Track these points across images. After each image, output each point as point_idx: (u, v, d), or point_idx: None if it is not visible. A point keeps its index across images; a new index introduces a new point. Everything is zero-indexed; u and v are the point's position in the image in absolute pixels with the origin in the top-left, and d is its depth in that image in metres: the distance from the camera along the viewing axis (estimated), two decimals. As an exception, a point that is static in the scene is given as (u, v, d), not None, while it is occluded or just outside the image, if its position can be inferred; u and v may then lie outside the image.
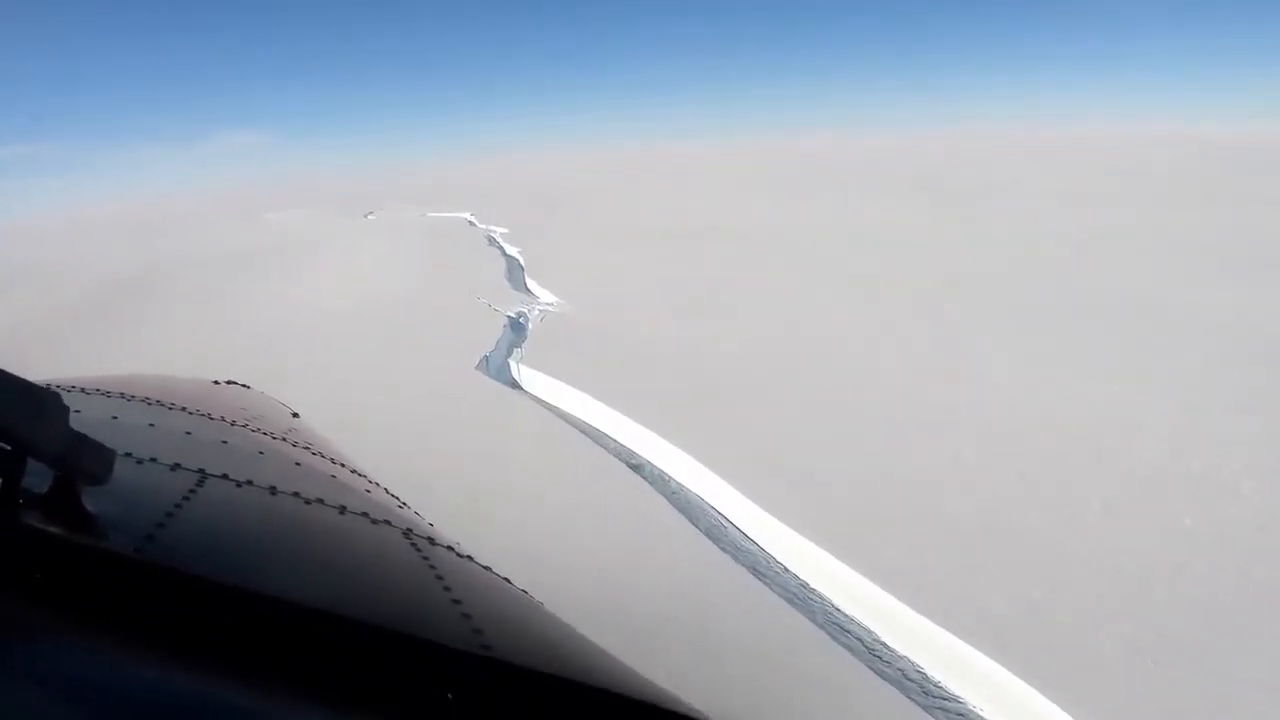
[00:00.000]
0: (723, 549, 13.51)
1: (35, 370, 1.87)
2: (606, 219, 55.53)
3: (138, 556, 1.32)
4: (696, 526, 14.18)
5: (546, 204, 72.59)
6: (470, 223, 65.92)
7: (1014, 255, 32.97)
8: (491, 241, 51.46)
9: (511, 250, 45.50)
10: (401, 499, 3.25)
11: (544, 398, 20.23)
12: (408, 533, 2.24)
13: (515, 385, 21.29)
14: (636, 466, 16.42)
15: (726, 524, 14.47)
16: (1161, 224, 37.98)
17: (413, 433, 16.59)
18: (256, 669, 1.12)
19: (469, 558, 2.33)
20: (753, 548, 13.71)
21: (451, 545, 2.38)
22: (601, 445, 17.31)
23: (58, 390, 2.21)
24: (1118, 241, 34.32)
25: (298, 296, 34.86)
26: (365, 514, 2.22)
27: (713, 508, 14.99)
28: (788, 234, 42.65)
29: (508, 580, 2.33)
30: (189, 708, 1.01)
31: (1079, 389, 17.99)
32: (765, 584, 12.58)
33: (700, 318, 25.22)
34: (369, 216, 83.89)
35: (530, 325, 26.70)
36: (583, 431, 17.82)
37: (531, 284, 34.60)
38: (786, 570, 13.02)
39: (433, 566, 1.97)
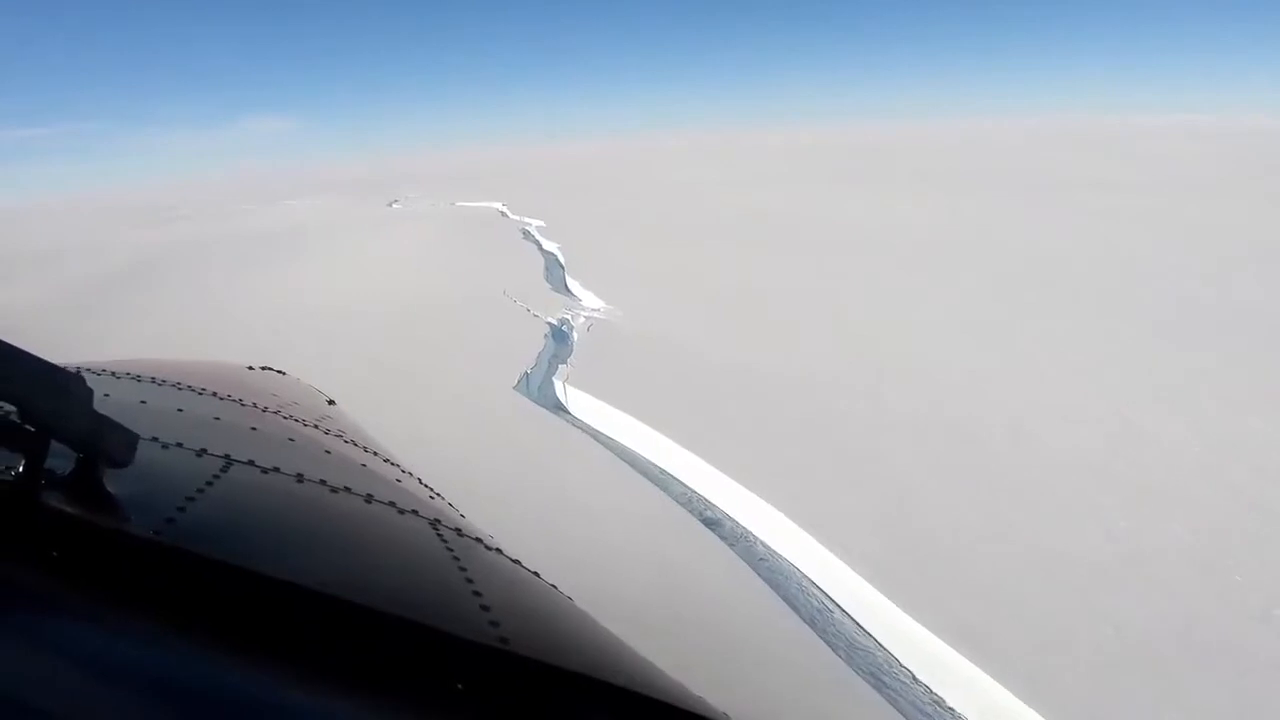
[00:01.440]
0: (830, 643, 11.16)
1: (62, 353, 2.01)
2: (655, 212, 53.15)
3: (155, 539, 1.37)
4: (795, 610, 11.84)
5: (587, 195, 70.59)
6: (502, 214, 64.16)
7: (1131, 259, 29.87)
8: (527, 235, 49.49)
9: (549, 245, 43.45)
10: (436, 490, 3.30)
11: (593, 424, 18.05)
12: (435, 523, 2.29)
13: (560, 407, 19.15)
14: (713, 522, 14.14)
15: (831, 606, 12.11)
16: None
17: (444, 478, 14.46)
18: (263, 650, 1.15)
19: (498, 550, 2.42)
20: (868, 643, 11.32)
21: (480, 537, 2.47)
22: (665, 489, 15.07)
23: (88, 373, 2.89)
24: (1224, 239, 30.98)
25: (306, 294, 33.18)
26: (392, 503, 2.28)
27: (809, 580, 12.65)
28: (866, 231, 39.87)
29: (536, 574, 2.38)
30: (196, 687, 1.05)
31: None
32: (891, 698, 10.22)
33: (776, 332, 22.79)
34: (393, 205, 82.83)
35: (574, 335, 24.53)
36: (642, 473, 15.58)
37: (573, 285, 32.47)
38: (916, 680, 10.63)
39: (456, 557, 2.01)
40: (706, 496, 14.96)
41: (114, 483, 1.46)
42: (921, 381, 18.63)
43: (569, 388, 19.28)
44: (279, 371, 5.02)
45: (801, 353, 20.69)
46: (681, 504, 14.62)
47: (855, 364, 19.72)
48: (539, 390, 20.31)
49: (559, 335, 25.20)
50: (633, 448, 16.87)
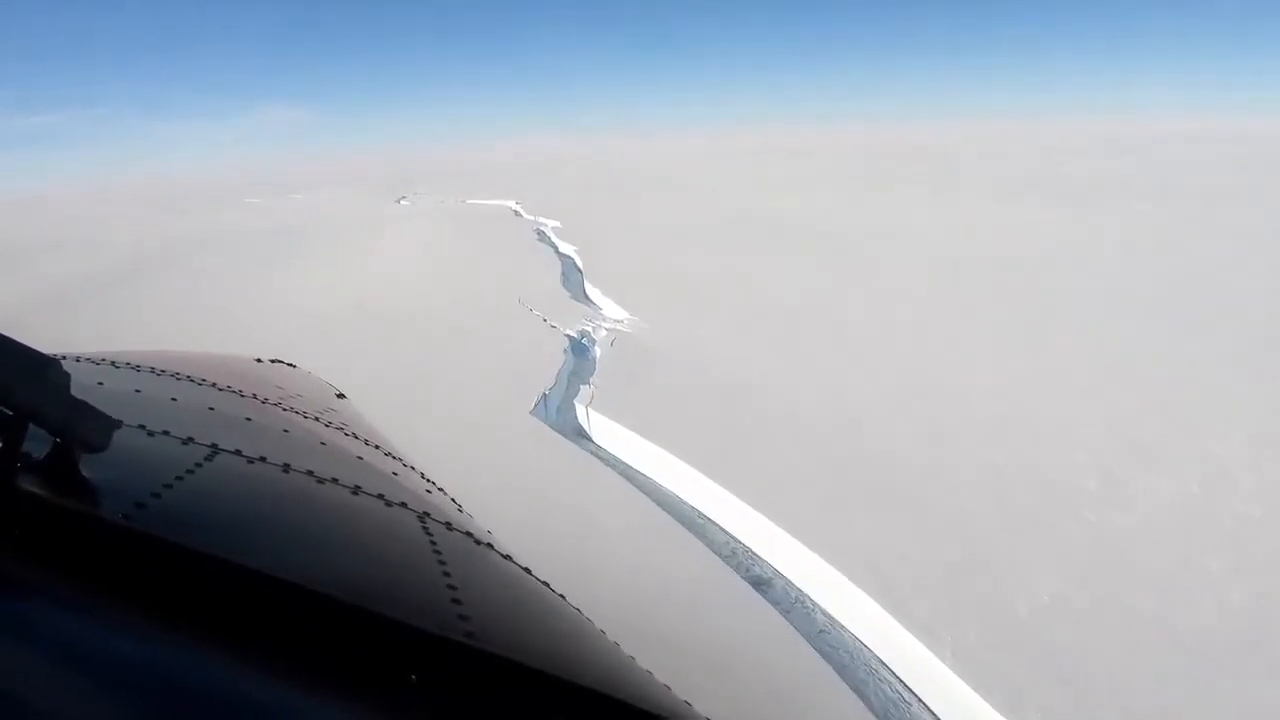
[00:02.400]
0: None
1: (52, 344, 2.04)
2: (678, 214, 51.47)
3: (122, 523, 1.39)
4: (865, 702, 10.14)
5: (605, 194, 69.15)
6: (516, 212, 62.77)
7: (1188, 272, 27.91)
8: (542, 236, 47.98)
9: (566, 248, 41.89)
10: (439, 485, 3.32)
11: (620, 455, 16.43)
12: (424, 516, 2.31)
13: (581, 433, 17.55)
14: (761, 582, 12.47)
15: (908, 695, 10.41)
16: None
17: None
18: (217, 635, 1.17)
19: (488, 545, 2.40)
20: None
21: (472, 532, 2.44)
22: (703, 538, 13.41)
23: (87, 363, 3.14)
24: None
25: (298, 299, 31.77)
26: (381, 495, 2.29)
27: (879, 660, 10.95)
28: (909, 241, 38.04)
29: (528, 570, 2.36)
30: (152, 670, 1.08)
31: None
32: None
33: (822, 355, 21.09)
34: (402, 201, 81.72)
35: (596, 349, 22.91)
36: (679, 518, 13.92)
37: (592, 292, 30.88)
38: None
39: (438, 551, 2.02)
40: (752, 548, 13.29)
41: (91, 467, 1.50)
42: (984, 415, 16.88)
43: (593, 413, 17.67)
44: (289, 364, 5.04)
45: (852, 382, 18.96)
46: (723, 556, 12.98)
47: (913, 397, 17.97)
48: (558, 413, 18.72)
49: (579, 349, 23.61)
50: (665, 484, 15.23)
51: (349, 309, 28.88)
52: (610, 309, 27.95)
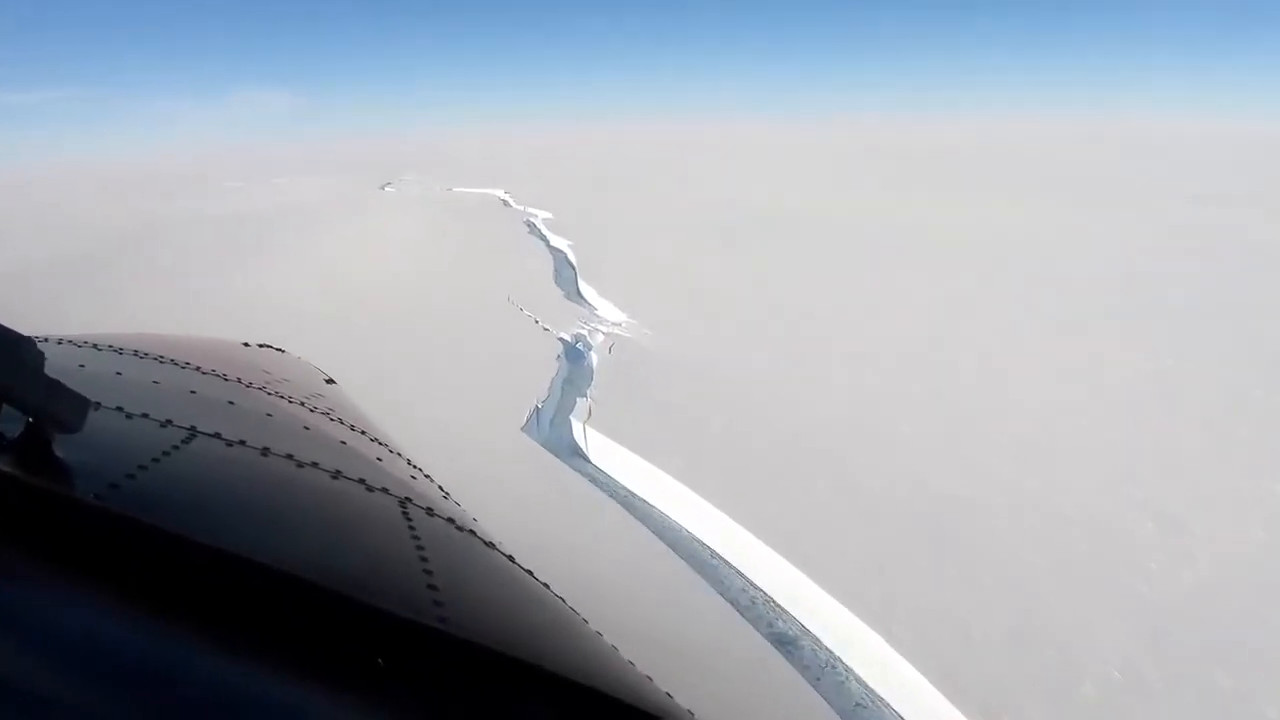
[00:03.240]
0: None
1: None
2: (677, 207, 49.82)
3: (93, 503, 1.38)
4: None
5: (598, 184, 67.42)
6: (504, 202, 60.94)
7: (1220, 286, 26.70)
8: (532, 229, 46.21)
9: (558, 241, 40.19)
10: (425, 471, 3.32)
11: (618, 477, 14.92)
12: (405, 501, 2.29)
13: (577, 452, 16.02)
14: (787, 641, 10.99)
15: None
16: None
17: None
18: (184, 616, 1.16)
19: (470, 532, 2.40)
20: None
21: (454, 518, 2.44)
22: (718, 585, 11.92)
23: (69, 345, 3.16)
24: None
25: (266, 291, 29.95)
26: (361, 480, 2.29)
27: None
28: (936, 236, 36.68)
29: (511, 559, 2.36)
30: (114, 650, 1.07)
31: None
32: None
33: (846, 368, 19.63)
34: (386, 189, 79.60)
35: (592, 356, 21.34)
36: (689, 561, 12.41)
37: (588, 291, 29.25)
38: None
39: (416, 536, 2.01)
40: (775, 599, 11.81)
41: (65, 448, 1.49)
42: (1024, 438, 15.50)
43: (590, 430, 16.12)
44: (277, 349, 5.10)
45: (881, 398, 17.51)
46: (741, 607, 11.49)
47: (945, 415, 16.55)
48: (551, 426, 17.15)
49: (574, 355, 22.03)
50: (673, 517, 13.73)
51: (314, 308, 26.97)
52: (607, 310, 26.36)
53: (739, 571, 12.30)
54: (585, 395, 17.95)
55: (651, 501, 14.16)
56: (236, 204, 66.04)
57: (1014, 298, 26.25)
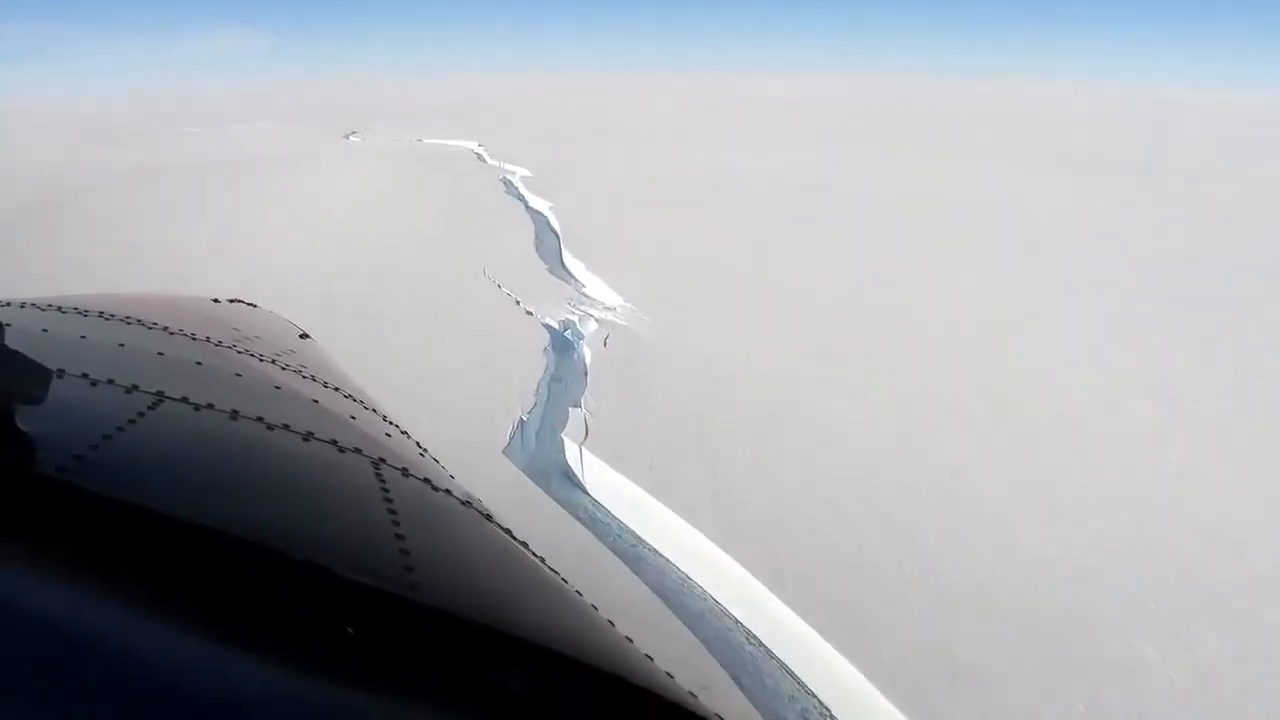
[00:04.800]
0: None
1: None
2: (670, 168, 46.43)
3: (57, 476, 1.37)
4: None
5: (583, 139, 63.45)
6: (479, 156, 57.04)
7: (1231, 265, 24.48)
8: (509, 187, 42.68)
9: (538, 203, 36.82)
10: (401, 427, 3.21)
11: (630, 523, 12.33)
12: (379, 462, 2.23)
13: (570, 479, 13.42)
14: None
15: None
16: None
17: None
18: (149, 588, 1.15)
19: (446, 491, 2.31)
20: None
21: (430, 478, 2.34)
22: (746, 673, 9.50)
23: (32, 308, 3.05)
24: None
25: (202, 258, 26.58)
26: (334, 441, 2.23)
27: None
28: (951, 209, 34.03)
29: (489, 516, 2.29)
30: (85, 625, 1.06)
31: None
32: None
33: (882, 358, 17.11)
34: (351, 138, 74.84)
35: (585, 350, 18.57)
36: (707, 642, 9.93)
37: (574, 265, 26.24)
38: None
39: (389, 499, 1.96)
40: (822, 699, 9.36)
41: (28, 420, 1.46)
42: (1099, 468, 13.19)
43: (588, 454, 13.46)
44: (249, 304, 5.00)
45: (925, 405, 15.03)
46: (780, 702, 9.06)
47: (996, 425, 14.10)
48: (538, 446, 14.46)
49: (562, 345, 19.24)
50: (687, 574, 11.21)
51: (254, 276, 23.68)
52: (597, 288, 23.46)
53: (768, 649, 9.81)
54: (579, 405, 15.21)
55: (653, 541, 11.65)
56: (185, 153, 61.18)
57: (1052, 272, 23.84)
